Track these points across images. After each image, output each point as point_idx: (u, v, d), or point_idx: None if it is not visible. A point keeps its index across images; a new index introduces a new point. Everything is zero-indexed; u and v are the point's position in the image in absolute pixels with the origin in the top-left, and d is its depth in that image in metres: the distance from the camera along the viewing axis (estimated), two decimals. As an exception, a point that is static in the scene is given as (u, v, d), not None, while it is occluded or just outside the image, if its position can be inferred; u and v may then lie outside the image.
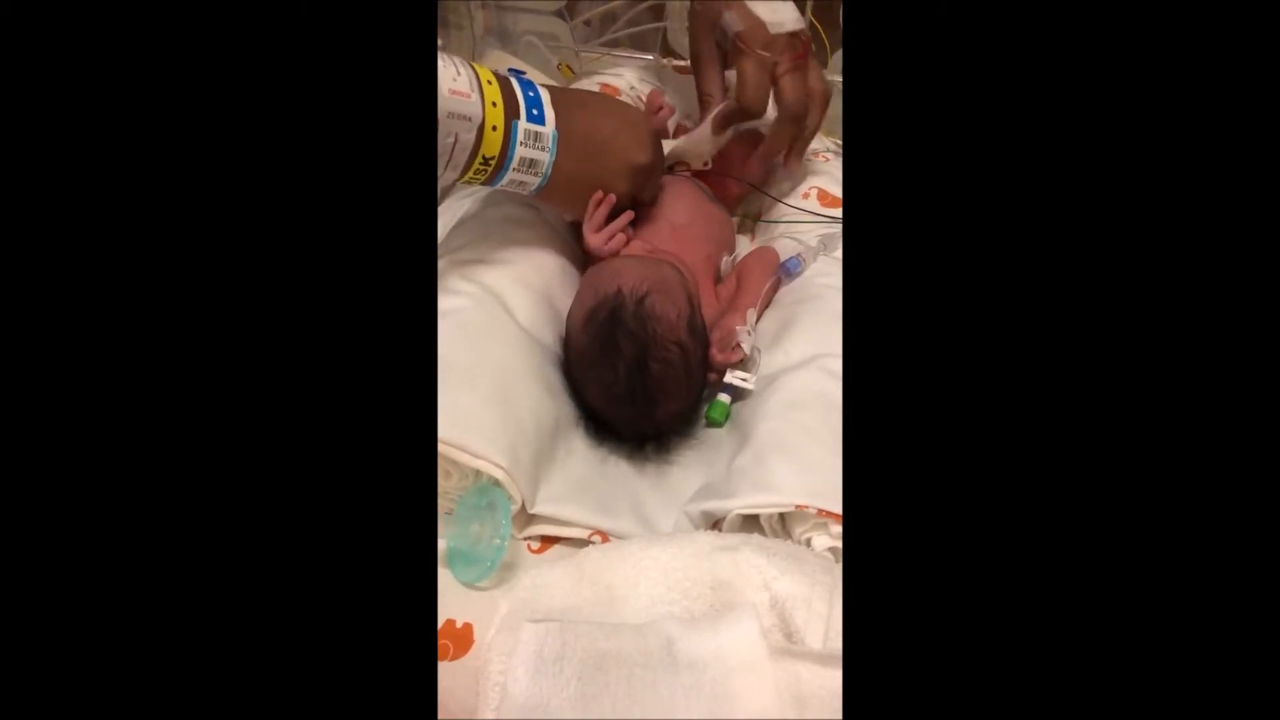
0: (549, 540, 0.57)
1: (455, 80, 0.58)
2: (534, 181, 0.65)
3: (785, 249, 0.80)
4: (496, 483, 0.54)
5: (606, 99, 0.78)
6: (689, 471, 0.64)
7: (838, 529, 0.52)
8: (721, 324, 0.71)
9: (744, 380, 0.67)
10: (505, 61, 1.01)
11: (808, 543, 0.53)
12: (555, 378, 0.65)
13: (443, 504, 0.55)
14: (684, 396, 0.65)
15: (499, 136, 0.61)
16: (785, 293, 0.76)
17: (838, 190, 0.86)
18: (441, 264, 0.68)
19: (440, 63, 0.57)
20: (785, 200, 0.86)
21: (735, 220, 0.90)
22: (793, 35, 0.77)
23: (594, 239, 0.71)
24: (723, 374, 0.68)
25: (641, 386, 0.62)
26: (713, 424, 0.67)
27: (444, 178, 0.61)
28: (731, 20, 0.76)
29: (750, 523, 0.55)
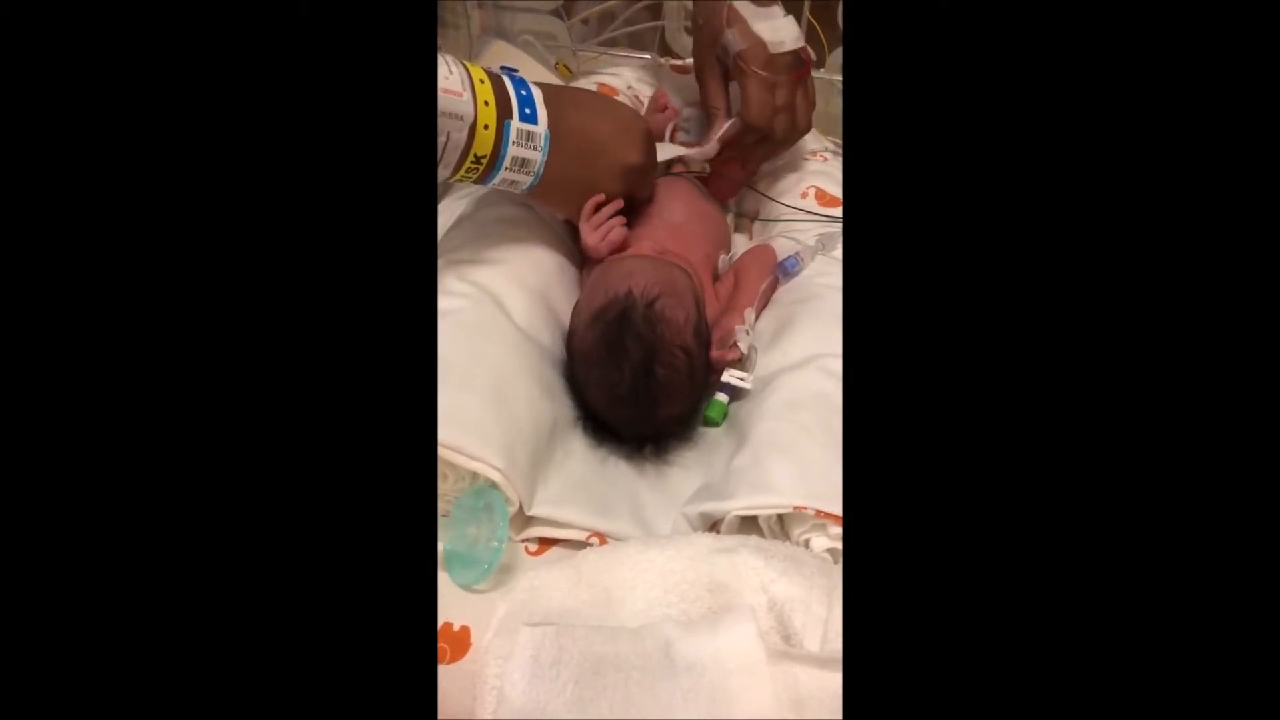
0: (547, 542, 0.57)
1: (447, 78, 0.58)
2: (526, 180, 0.65)
3: (783, 248, 0.79)
4: (493, 484, 0.54)
5: (600, 98, 0.78)
6: (687, 472, 0.64)
7: (836, 530, 0.52)
8: (720, 323, 0.71)
9: (741, 380, 0.67)
10: (507, 52, 1.00)
11: (806, 544, 0.52)
12: (553, 378, 0.65)
13: (439, 506, 0.54)
14: (686, 401, 0.65)
15: (491, 135, 0.60)
16: (783, 292, 0.76)
17: (835, 189, 0.86)
18: (438, 264, 0.67)
19: None
20: (783, 200, 0.86)
21: (730, 218, 0.90)
22: (793, 54, 0.78)
23: (591, 237, 0.71)
24: (720, 373, 0.67)
25: (645, 389, 0.62)
26: (710, 423, 0.67)
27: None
28: (732, 40, 0.77)
29: (749, 524, 0.55)
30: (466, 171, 0.62)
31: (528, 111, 0.62)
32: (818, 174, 0.88)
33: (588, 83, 1.01)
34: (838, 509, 0.51)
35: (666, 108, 0.89)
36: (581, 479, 0.60)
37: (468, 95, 0.59)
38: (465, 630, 0.48)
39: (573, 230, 0.75)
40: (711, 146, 0.81)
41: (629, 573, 0.48)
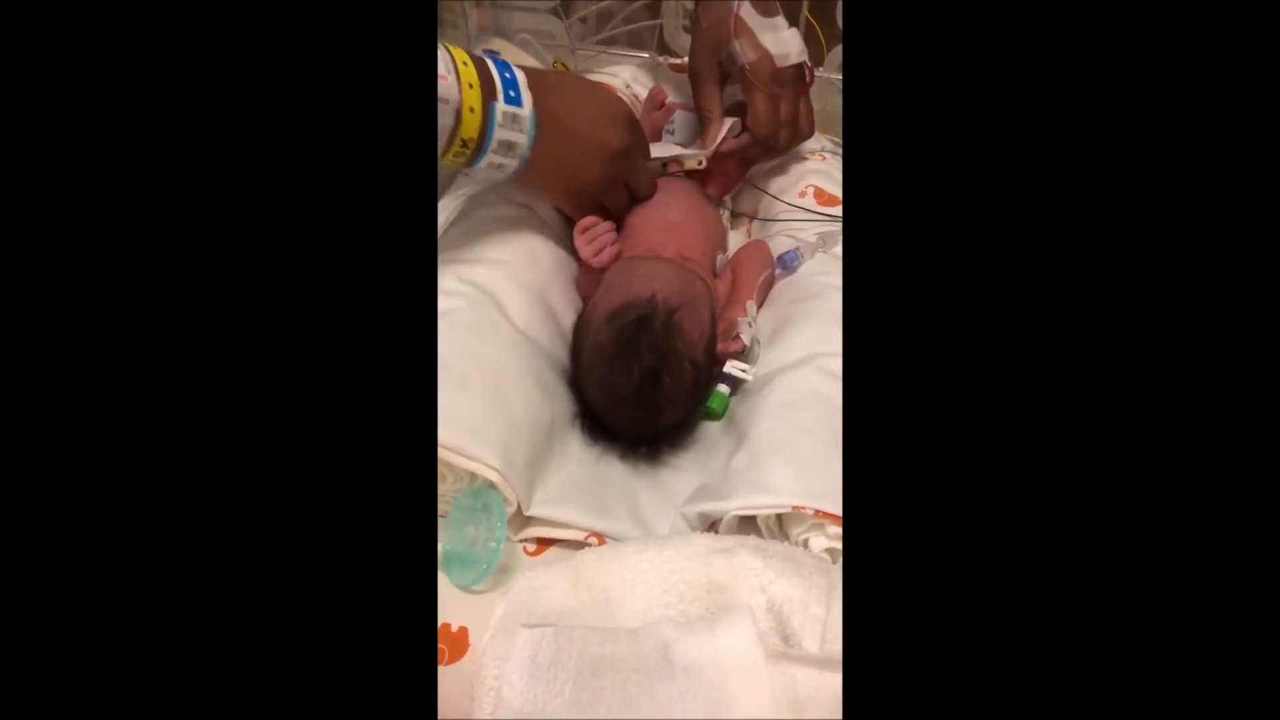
0: (545, 542, 0.57)
1: None
2: (512, 164, 0.65)
3: (782, 247, 0.79)
4: (491, 485, 0.53)
5: (582, 81, 0.77)
6: (686, 472, 0.64)
7: (835, 530, 0.52)
8: (723, 315, 0.72)
9: (744, 371, 0.67)
10: (506, 51, 1.00)
11: (805, 544, 0.52)
12: (551, 378, 0.65)
13: (438, 506, 0.54)
14: (685, 409, 0.65)
15: (477, 119, 0.60)
16: (783, 291, 0.76)
17: (834, 188, 0.86)
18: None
19: None
20: (782, 198, 0.86)
21: (726, 216, 0.90)
22: (797, 68, 0.79)
23: (585, 250, 0.72)
24: (722, 364, 0.67)
25: (648, 395, 0.62)
26: (711, 415, 0.67)
27: None
28: (741, 50, 0.78)
29: (747, 524, 0.55)
30: (454, 155, 0.61)
31: (512, 94, 0.62)
32: (816, 173, 0.88)
33: (587, 81, 1.01)
34: (836, 509, 0.51)
35: (664, 104, 0.89)
36: (580, 479, 0.60)
37: (452, 78, 0.58)
38: (463, 631, 0.48)
39: (569, 229, 0.75)
40: (708, 152, 0.82)
41: (627, 573, 0.48)
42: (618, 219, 0.77)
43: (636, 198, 0.76)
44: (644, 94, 1.01)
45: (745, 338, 0.68)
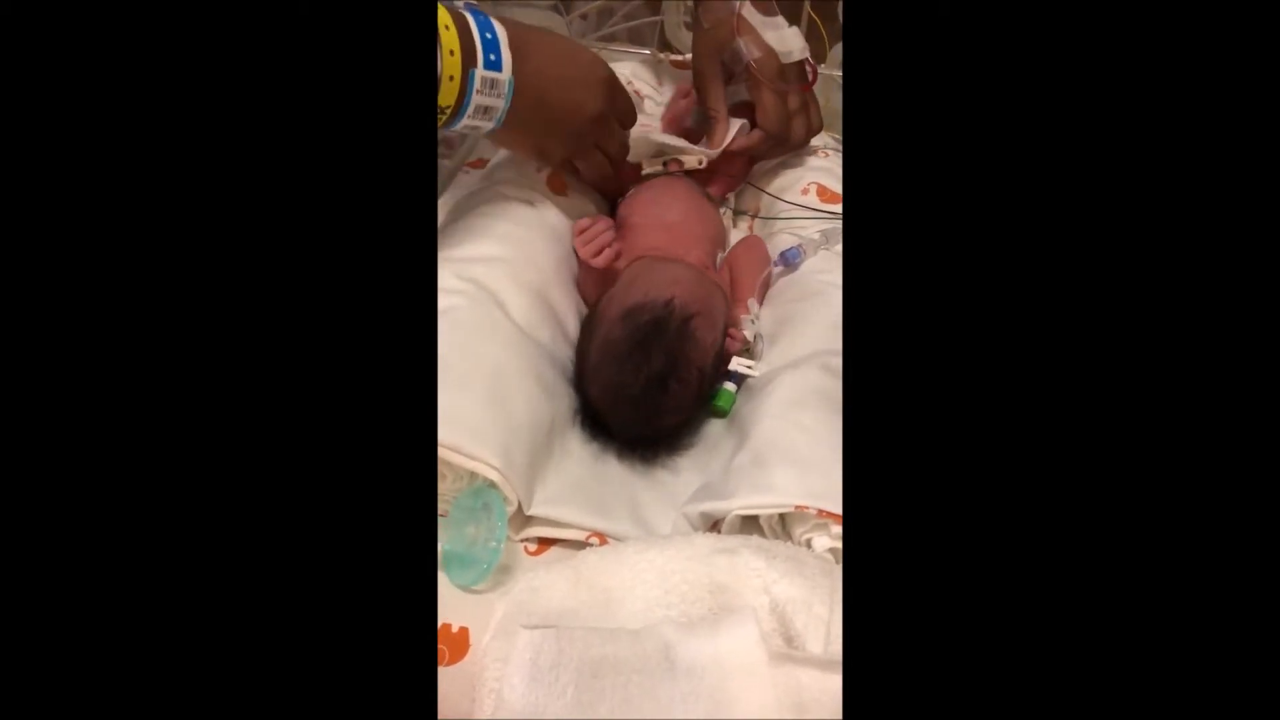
0: (546, 542, 0.56)
1: None
2: (487, 125, 0.65)
3: (785, 244, 0.79)
4: (491, 484, 0.53)
5: (563, 42, 0.76)
6: (687, 472, 0.63)
7: (838, 530, 0.51)
8: (728, 314, 0.71)
9: (750, 368, 0.66)
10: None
11: (808, 544, 0.52)
12: (552, 376, 0.64)
13: (438, 506, 0.54)
14: (684, 415, 0.65)
15: (455, 86, 0.60)
16: (786, 289, 0.76)
17: (837, 185, 0.85)
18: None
19: None
20: (784, 196, 0.85)
21: (728, 215, 0.90)
22: (800, 64, 0.79)
23: (583, 251, 0.71)
24: (727, 361, 0.67)
25: (652, 398, 0.62)
26: (718, 412, 0.67)
27: None
28: (745, 49, 0.78)
29: (750, 523, 0.55)
30: None
31: (492, 58, 0.61)
32: (818, 170, 0.88)
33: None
34: (839, 508, 0.51)
35: (690, 94, 0.90)
36: (580, 479, 0.60)
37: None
38: (464, 631, 0.48)
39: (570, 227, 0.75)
40: (716, 152, 0.82)
41: (629, 573, 0.48)
42: (594, 182, 0.78)
43: (612, 161, 0.76)
44: (645, 90, 1.00)
45: (749, 333, 0.68)
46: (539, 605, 0.47)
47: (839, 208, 0.82)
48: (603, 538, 0.56)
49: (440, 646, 0.47)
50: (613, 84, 0.72)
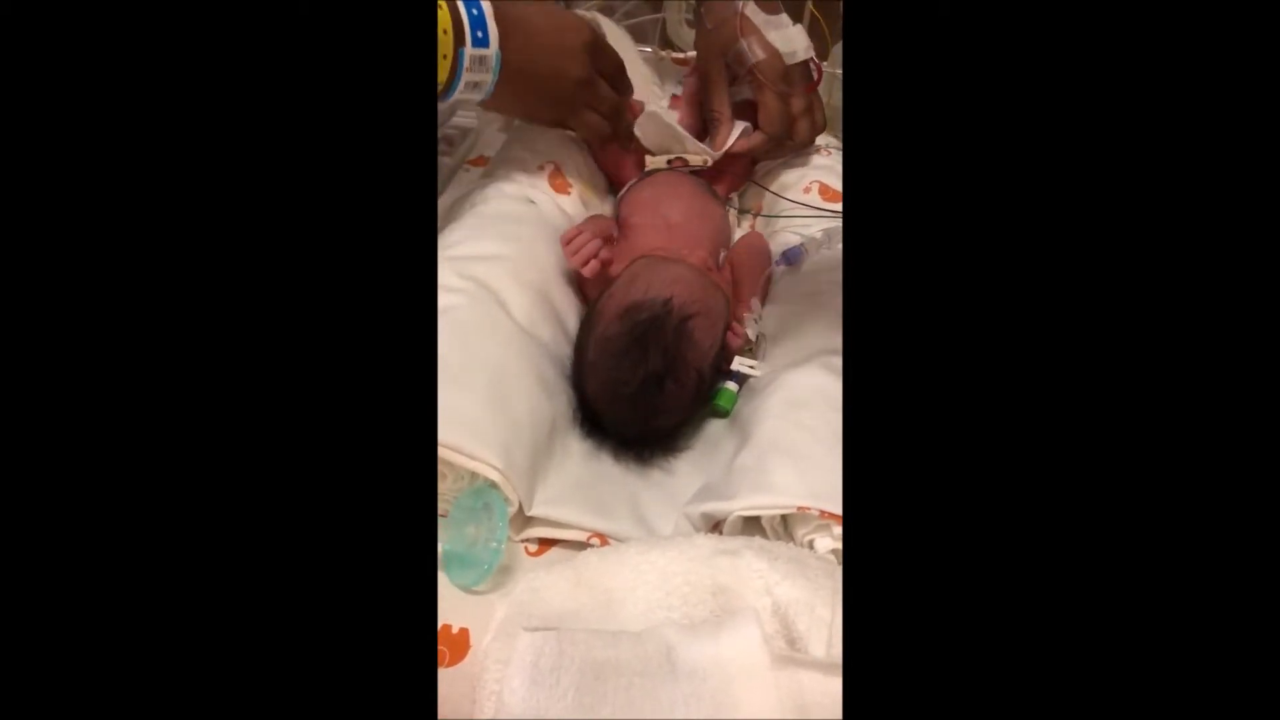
0: (546, 543, 0.56)
1: None
2: (476, 98, 0.67)
3: (787, 243, 0.79)
4: (492, 484, 0.53)
5: (544, 9, 0.76)
6: (689, 472, 0.63)
7: (841, 530, 0.51)
8: (729, 315, 0.71)
9: (752, 368, 0.66)
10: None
11: (810, 545, 0.52)
12: (553, 376, 0.64)
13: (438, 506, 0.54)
14: (679, 416, 0.65)
15: (447, 64, 0.61)
16: (788, 288, 0.76)
17: (839, 184, 0.85)
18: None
19: None
20: (786, 195, 0.85)
21: (733, 214, 0.90)
22: (804, 65, 0.79)
23: (572, 261, 0.71)
24: (730, 361, 0.67)
25: (648, 398, 0.61)
26: (719, 412, 0.67)
27: None
28: (750, 50, 0.77)
29: (751, 524, 0.54)
30: None
31: (480, 34, 0.63)
32: (821, 168, 0.88)
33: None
34: (841, 509, 0.51)
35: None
36: (581, 479, 0.60)
37: None
38: (464, 633, 0.48)
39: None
40: (718, 155, 0.81)
41: (630, 574, 0.47)
42: (591, 141, 0.80)
43: (605, 119, 0.77)
44: (646, 88, 1.00)
45: (751, 332, 0.68)
46: (540, 606, 0.46)
47: (839, 206, 0.82)
48: (604, 538, 0.55)
49: (440, 648, 0.47)
50: (596, 46, 0.73)
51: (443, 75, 0.62)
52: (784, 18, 0.81)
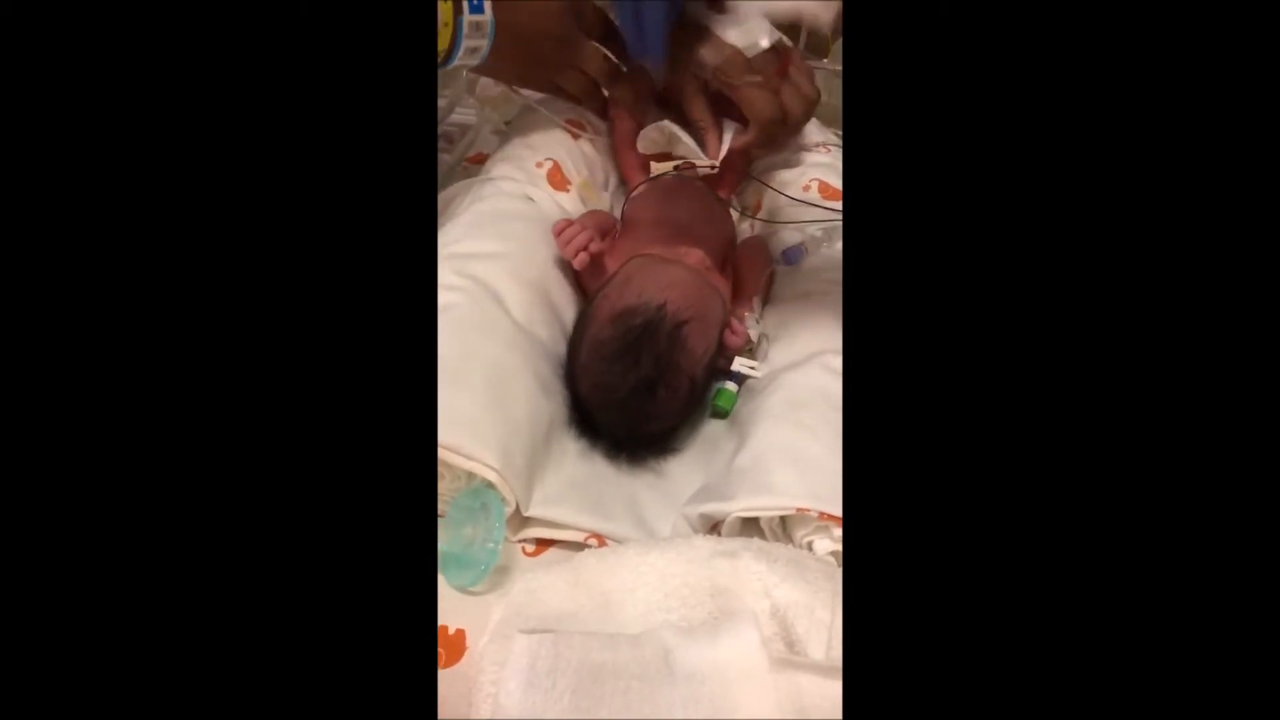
0: (544, 543, 0.56)
1: None
2: (472, 62, 0.70)
3: (786, 242, 0.78)
4: (490, 484, 0.53)
5: None
6: (687, 473, 0.63)
7: (840, 533, 0.51)
8: (726, 320, 0.71)
9: (752, 369, 0.66)
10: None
11: (809, 546, 0.52)
12: (551, 376, 0.64)
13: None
14: (672, 421, 0.64)
15: (449, 31, 0.64)
16: (788, 288, 0.75)
17: (838, 182, 0.85)
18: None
19: None
20: (786, 192, 0.85)
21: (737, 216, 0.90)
22: (770, 51, 0.77)
23: (564, 251, 0.71)
24: (729, 362, 0.67)
25: (639, 402, 0.61)
26: (719, 413, 0.67)
27: None
28: (708, 55, 0.76)
29: (750, 525, 0.54)
30: None
31: (475, 1, 0.65)
32: (820, 166, 0.87)
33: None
34: (841, 511, 0.50)
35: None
36: (579, 479, 0.59)
37: None
38: (460, 634, 0.47)
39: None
40: (716, 161, 0.80)
41: (628, 576, 0.47)
42: (584, 100, 0.80)
43: (594, 75, 0.78)
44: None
45: (753, 333, 0.67)
46: (537, 607, 0.46)
47: (839, 204, 0.82)
48: (601, 539, 0.55)
49: (437, 649, 0.47)
50: (579, 6, 0.75)
51: (443, 43, 0.64)
52: (737, 10, 0.79)
